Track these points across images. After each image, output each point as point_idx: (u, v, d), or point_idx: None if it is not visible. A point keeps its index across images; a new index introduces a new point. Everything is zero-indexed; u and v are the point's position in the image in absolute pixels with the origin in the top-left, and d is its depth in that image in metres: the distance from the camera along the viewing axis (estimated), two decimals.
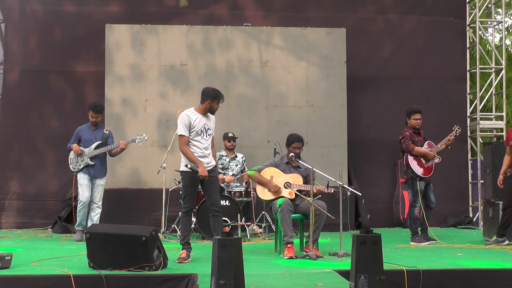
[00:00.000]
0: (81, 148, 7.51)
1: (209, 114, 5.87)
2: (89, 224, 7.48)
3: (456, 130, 7.32)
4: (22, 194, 9.12)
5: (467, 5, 10.05)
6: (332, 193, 6.20)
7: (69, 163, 7.57)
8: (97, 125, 7.65)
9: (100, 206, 7.61)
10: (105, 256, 5.02)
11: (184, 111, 5.85)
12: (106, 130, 7.70)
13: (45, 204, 9.09)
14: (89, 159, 7.49)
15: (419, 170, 7.15)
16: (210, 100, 5.78)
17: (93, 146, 7.53)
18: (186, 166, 5.71)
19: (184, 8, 9.56)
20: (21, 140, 9.27)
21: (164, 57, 8.96)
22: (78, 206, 7.49)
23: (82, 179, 7.50)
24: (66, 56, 9.33)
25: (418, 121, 7.25)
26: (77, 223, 7.56)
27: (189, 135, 5.74)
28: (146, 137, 7.73)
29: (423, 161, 7.17)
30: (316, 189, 6.07)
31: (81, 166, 7.51)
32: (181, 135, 5.73)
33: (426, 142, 7.26)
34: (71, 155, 7.56)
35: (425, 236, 7.23)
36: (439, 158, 7.25)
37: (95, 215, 7.55)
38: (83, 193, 7.47)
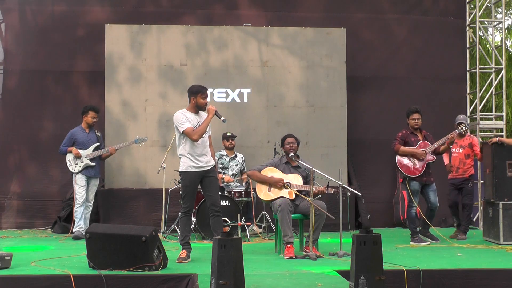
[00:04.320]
0: (79, 150, 7.81)
1: (201, 112, 5.87)
2: (83, 221, 7.74)
3: (461, 128, 7.32)
4: (22, 194, 9.11)
5: (467, 5, 10.03)
6: (332, 194, 6.20)
7: (68, 165, 7.84)
8: (92, 126, 7.99)
9: (92, 204, 7.99)
10: (105, 256, 5.02)
11: (176, 112, 5.83)
12: (98, 132, 8.09)
13: (45, 204, 9.09)
14: (89, 160, 7.79)
15: (406, 170, 7.16)
16: (193, 96, 5.79)
17: (92, 147, 7.86)
18: (223, 121, 5.82)
19: (182, 8, 9.56)
20: (21, 140, 9.26)
21: (163, 57, 8.95)
22: (76, 206, 7.74)
23: (80, 180, 7.78)
24: (66, 56, 9.33)
25: (416, 121, 7.25)
26: (76, 225, 7.70)
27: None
28: (146, 139, 8.14)
29: (413, 161, 7.16)
30: (317, 189, 6.08)
31: (81, 168, 7.77)
32: (187, 128, 5.67)
33: (420, 142, 7.24)
34: (69, 157, 7.82)
35: (428, 235, 7.27)
36: (433, 158, 7.22)
37: (88, 213, 7.89)
38: (81, 194, 7.76)
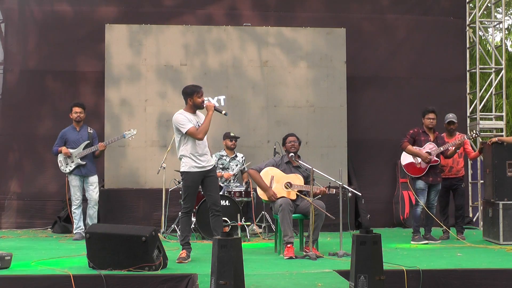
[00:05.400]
0: (69, 149, 7.69)
1: (198, 112, 5.85)
2: (88, 221, 7.66)
3: (471, 134, 7.35)
4: (22, 194, 9.12)
5: (467, 5, 10.03)
6: (333, 194, 6.20)
7: (60, 165, 7.78)
8: (81, 122, 7.83)
9: (97, 203, 7.81)
10: (105, 256, 5.02)
11: (176, 113, 5.81)
12: (91, 129, 7.93)
13: (45, 204, 9.09)
14: (79, 159, 7.67)
15: (409, 169, 7.18)
16: (189, 97, 5.77)
17: (82, 146, 7.74)
18: (225, 114, 5.87)
19: (182, 8, 9.56)
20: (21, 140, 9.27)
21: (163, 57, 8.95)
22: (73, 208, 7.69)
23: (74, 181, 7.72)
24: (65, 56, 9.32)
25: (432, 121, 7.30)
26: (75, 227, 7.66)
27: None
28: (135, 132, 7.90)
29: (417, 160, 7.19)
30: (319, 190, 6.07)
31: (72, 167, 7.70)
32: (190, 128, 5.63)
33: (428, 143, 7.26)
34: (60, 157, 7.75)
35: (428, 237, 7.28)
36: (437, 160, 7.22)
37: (94, 212, 7.74)
38: (76, 195, 7.70)
